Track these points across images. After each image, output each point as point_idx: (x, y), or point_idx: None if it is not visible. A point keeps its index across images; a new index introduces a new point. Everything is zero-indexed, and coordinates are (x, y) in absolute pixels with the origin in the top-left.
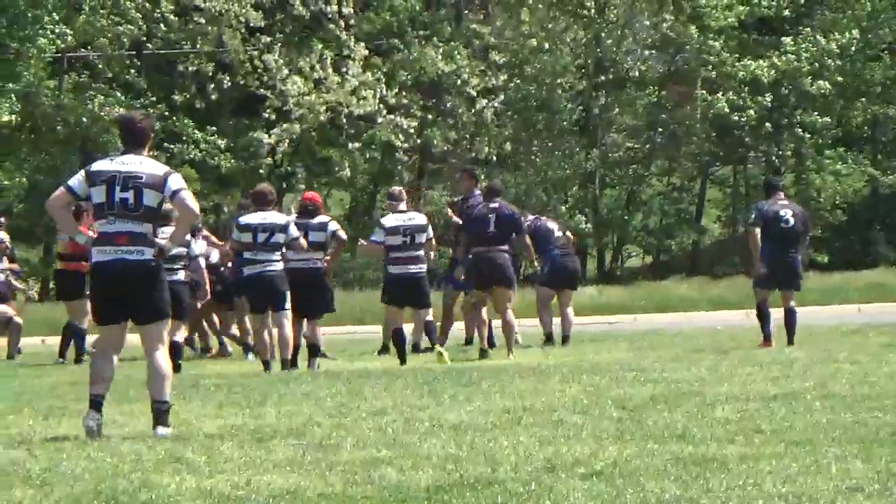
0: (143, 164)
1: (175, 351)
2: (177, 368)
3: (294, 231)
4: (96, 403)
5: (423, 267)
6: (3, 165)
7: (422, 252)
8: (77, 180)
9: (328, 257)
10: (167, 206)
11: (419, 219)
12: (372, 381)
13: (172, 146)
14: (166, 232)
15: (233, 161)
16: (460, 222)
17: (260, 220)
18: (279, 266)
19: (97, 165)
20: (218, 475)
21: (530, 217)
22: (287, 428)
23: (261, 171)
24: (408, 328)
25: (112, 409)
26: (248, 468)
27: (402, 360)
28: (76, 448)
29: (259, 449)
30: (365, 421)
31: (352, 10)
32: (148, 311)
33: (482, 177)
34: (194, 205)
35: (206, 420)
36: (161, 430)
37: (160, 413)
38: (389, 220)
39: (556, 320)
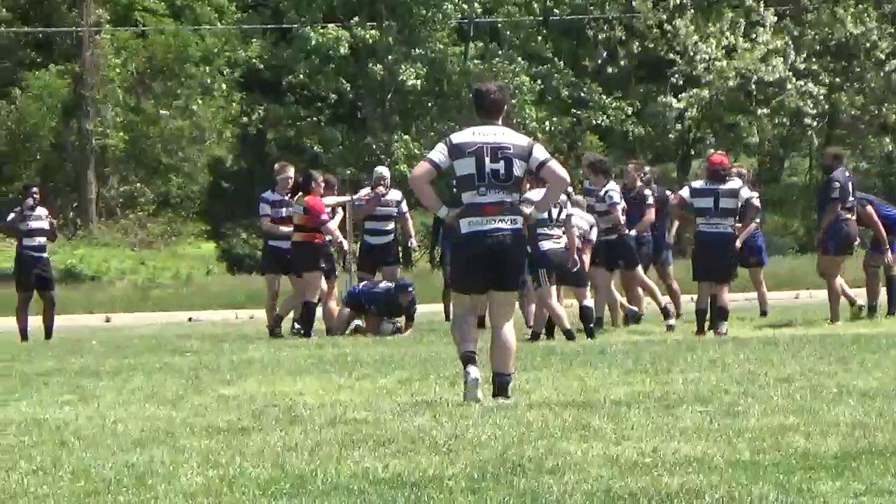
0: (506, 135)
1: (587, 315)
2: (590, 333)
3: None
4: (470, 359)
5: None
6: (410, 132)
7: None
8: (440, 154)
9: (740, 224)
10: None
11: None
12: (780, 347)
13: (579, 112)
14: None
15: (640, 127)
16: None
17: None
18: None
19: (459, 138)
20: (625, 442)
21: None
22: (694, 394)
23: (670, 136)
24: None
25: (518, 377)
26: (654, 435)
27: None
28: (482, 415)
29: (666, 416)
30: (772, 388)
31: None
32: (510, 280)
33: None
34: (564, 172)
35: (613, 387)
36: (501, 401)
37: (502, 386)
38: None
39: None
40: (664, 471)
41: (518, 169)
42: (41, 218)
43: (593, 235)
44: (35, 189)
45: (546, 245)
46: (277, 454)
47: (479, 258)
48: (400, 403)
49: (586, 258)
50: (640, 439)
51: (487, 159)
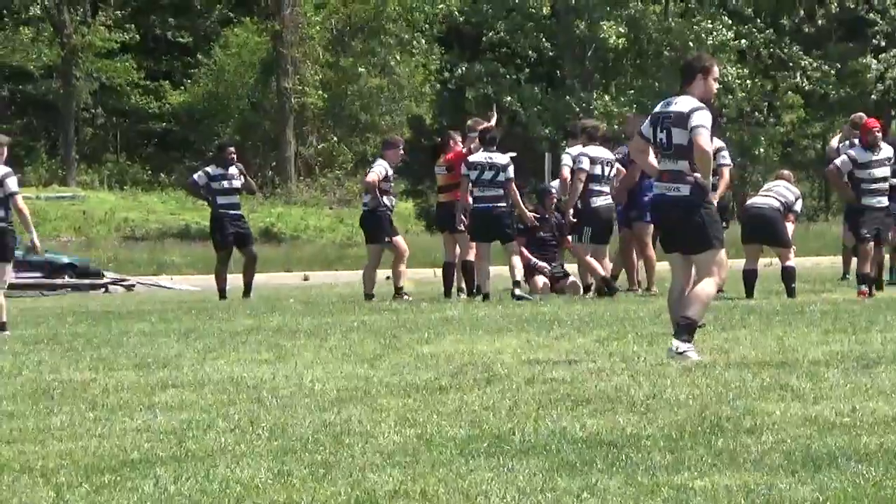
0: (678, 104)
1: (789, 275)
2: (791, 293)
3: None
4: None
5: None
6: (609, 90)
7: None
8: (647, 124)
9: None
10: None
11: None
12: None
13: (776, 73)
14: None
15: (840, 90)
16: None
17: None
18: None
19: (658, 108)
20: (823, 402)
21: None
22: (893, 354)
23: (872, 97)
24: None
25: (717, 337)
26: (853, 395)
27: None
28: (680, 375)
29: (864, 376)
30: None
31: None
32: (691, 243)
33: None
34: (706, 145)
35: (812, 346)
36: (675, 342)
37: (681, 327)
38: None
39: None
40: (862, 431)
41: (678, 137)
42: (234, 177)
43: (798, 206)
44: (232, 148)
45: (597, 202)
46: (475, 413)
47: (659, 222)
48: (598, 362)
49: (790, 225)
50: (839, 399)
51: (658, 129)
